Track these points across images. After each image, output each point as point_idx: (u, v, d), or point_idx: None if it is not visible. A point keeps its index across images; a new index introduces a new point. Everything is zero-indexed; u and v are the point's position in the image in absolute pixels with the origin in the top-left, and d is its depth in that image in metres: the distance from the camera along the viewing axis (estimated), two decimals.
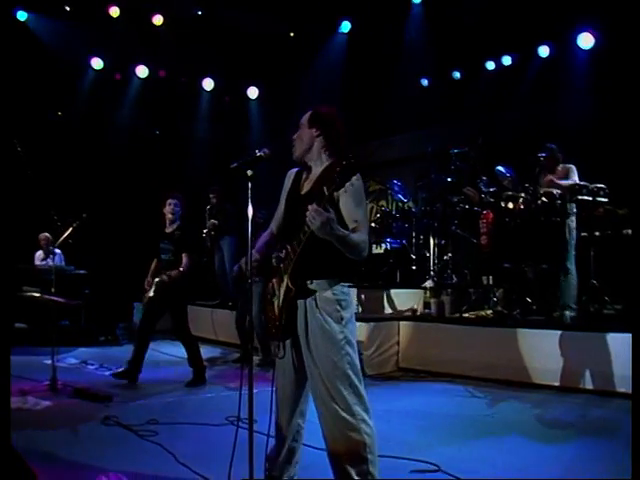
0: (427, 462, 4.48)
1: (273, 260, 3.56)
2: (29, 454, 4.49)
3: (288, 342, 3.50)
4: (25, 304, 9.88)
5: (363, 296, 9.67)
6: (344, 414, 3.27)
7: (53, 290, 7.32)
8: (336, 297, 3.37)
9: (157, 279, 7.48)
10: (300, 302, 3.41)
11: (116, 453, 4.68)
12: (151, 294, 7.49)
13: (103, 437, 5.26)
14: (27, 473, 4.14)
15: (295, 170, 3.76)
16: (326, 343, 3.32)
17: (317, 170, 3.58)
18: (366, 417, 3.32)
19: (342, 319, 3.36)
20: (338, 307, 3.36)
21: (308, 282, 3.37)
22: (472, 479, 4.16)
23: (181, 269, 7.43)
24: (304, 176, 3.66)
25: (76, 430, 5.46)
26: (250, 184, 3.56)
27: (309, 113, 3.65)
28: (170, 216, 7.65)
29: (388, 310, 9.39)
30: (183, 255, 7.49)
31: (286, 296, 3.39)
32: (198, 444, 5.01)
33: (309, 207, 3.07)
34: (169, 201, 7.63)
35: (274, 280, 3.51)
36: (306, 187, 3.58)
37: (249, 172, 3.57)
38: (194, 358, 7.72)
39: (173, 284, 7.43)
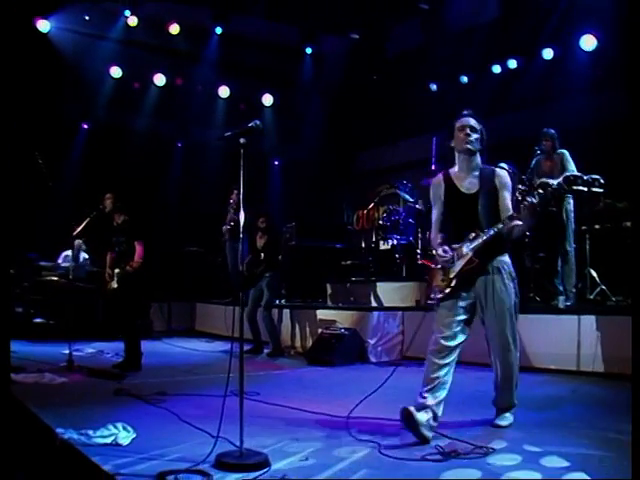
0: None
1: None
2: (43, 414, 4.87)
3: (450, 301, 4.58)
4: (44, 289, 10.27)
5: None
6: (510, 339, 4.57)
7: (70, 277, 7.68)
8: (507, 266, 4.59)
9: (117, 270, 7.77)
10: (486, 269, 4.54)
11: (125, 414, 4.98)
12: (115, 285, 7.78)
13: (114, 403, 5.62)
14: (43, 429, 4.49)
15: (440, 176, 4.77)
16: (505, 295, 4.53)
17: (471, 173, 4.62)
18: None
19: (513, 280, 4.61)
20: (511, 270, 4.61)
21: (490, 259, 4.53)
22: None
23: (138, 258, 7.62)
24: (453, 176, 4.69)
25: (89, 399, 5.83)
26: (242, 151, 3.92)
27: (478, 120, 4.63)
28: (108, 208, 7.88)
29: (374, 302, 9.67)
30: (136, 243, 7.71)
31: (465, 265, 4.51)
32: (201, 409, 5.31)
33: (529, 205, 4.27)
34: (106, 196, 7.91)
35: (453, 253, 4.56)
36: (468, 186, 4.61)
37: (242, 140, 3.93)
38: (132, 350, 7.76)
39: (134, 273, 7.67)
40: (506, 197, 4.55)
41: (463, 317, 4.59)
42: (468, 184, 4.62)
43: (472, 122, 4.59)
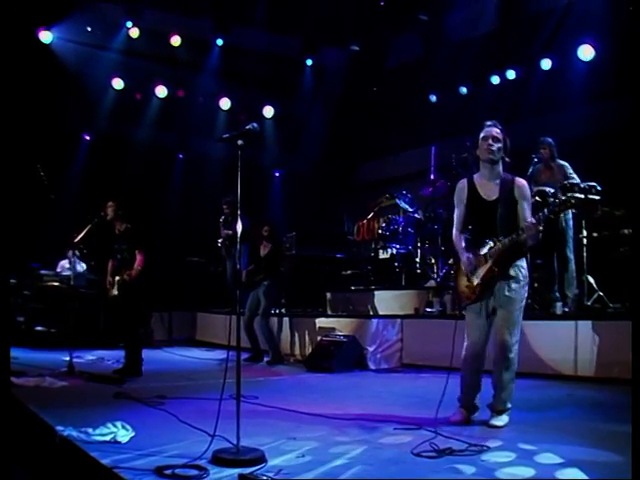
0: (410, 423, 4.83)
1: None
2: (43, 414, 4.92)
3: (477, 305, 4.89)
4: (45, 296, 10.31)
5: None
6: (513, 339, 4.76)
7: (72, 283, 7.75)
8: (523, 270, 4.81)
9: (117, 277, 7.84)
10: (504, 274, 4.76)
11: (124, 415, 5.02)
12: (115, 292, 7.88)
13: (113, 405, 5.67)
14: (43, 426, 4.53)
15: (464, 181, 5.01)
16: (516, 297, 4.76)
17: (493, 180, 4.85)
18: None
19: (526, 284, 4.85)
20: (526, 274, 4.83)
21: (508, 265, 4.74)
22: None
23: (137, 267, 7.69)
24: (476, 183, 4.93)
25: (89, 401, 5.88)
26: (240, 152, 3.99)
27: (501, 129, 4.83)
28: (110, 216, 7.91)
29: (372, 310, 9.86)
30: (136, 252, 7.77)
31: (487, 274, 4.78)
32: (200, 411, 5.33)
33: (531, 225, 4.56)
34: (108, 204, 7.93)
35: (475, 261, 4.84)
36: (488, 193, 4.85)
37: (240, 142, 4.01)
38: (132, 356, 7.81)
39: (133, 282, 7.73)
40: (525, 208, 4.79)
41: (489, 318, 4.86)
42: (489, 191, 4.87)
43: (495, 132, 4.81)
